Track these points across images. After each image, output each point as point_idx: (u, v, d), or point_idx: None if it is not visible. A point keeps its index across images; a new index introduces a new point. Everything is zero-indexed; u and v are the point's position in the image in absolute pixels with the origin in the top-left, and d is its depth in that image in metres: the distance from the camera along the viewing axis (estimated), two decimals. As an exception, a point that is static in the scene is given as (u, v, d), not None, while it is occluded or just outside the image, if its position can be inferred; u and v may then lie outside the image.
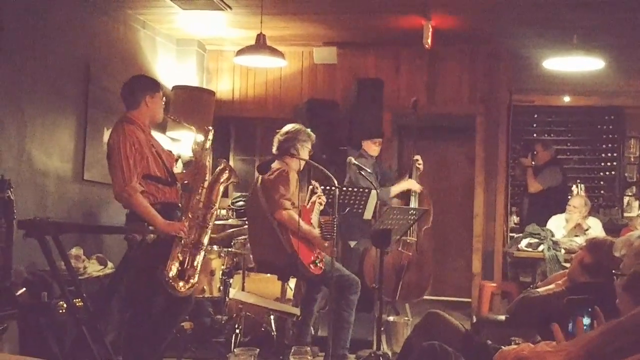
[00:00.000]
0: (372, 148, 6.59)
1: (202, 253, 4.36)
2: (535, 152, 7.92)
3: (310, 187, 5.55)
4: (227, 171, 4.57)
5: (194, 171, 4.48)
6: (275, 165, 5.10)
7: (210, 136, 4.60)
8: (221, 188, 4.54)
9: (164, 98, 4.54)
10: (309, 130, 5.28)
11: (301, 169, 5.34)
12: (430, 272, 6.71)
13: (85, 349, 3.34)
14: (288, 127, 5.25)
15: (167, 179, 4.35)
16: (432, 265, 6.81)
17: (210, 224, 4.42)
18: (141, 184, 4.18)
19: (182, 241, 4.22)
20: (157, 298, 4.33)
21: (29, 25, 5.47)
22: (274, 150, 5.21)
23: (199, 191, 4.39)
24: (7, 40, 5.21)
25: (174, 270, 4.17)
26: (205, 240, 4.37)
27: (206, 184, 4.43)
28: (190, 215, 4.32)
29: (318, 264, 4.99)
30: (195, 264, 4.28)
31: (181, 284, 4.18)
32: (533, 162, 7.82)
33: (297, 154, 5.13)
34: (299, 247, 4.89)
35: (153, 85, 4.49)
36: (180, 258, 4.22)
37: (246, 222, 6.64)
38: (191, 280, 4.24)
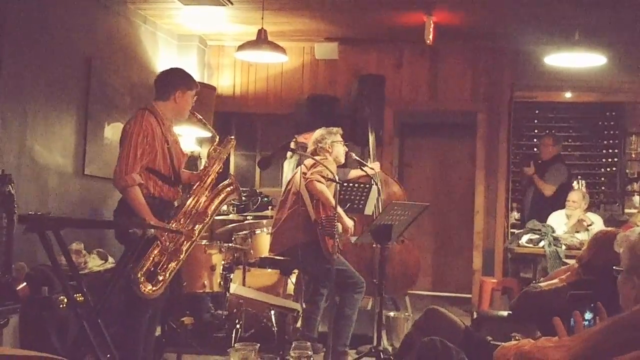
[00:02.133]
0: None
1: (179, 263, 4.18)
2: (539, 147, 7.88)
3: None
4: (232, 187, 4.42)
5: (200, 176, 4.40)
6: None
7: (230, 147, 4.52)
8: (220, 202, 4.39)
9: (195, 97, 4.44)
10: (331, 128, 5.43)
11: (343, 160, 5.47)
12: (417, 261, 6.66)
13: (86, 343, 3.34)
14: (315, 135, 5.42)
15: (170, 177, 4.28)
16: (418, 253, 6.76)
17: (197, 235, 4.27)
18: (142, 174, 4.13)
19: (161, 245, 4.09)
20: (120, 295, 4.26)
21: (31, 20, 5.47)
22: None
23: (198, 199, 4.30)
24: (9, 36, 5.21)
25: (144, 270, 4.02)
26: (185, 250, 4.19)
27: (207, 193, 4.33)
28: (181, 221, 4.20)
29: (336, 239, 5.02)
30: (168, 270, 4.11)
31: (149, 286, 4.03)
32: (535, 169, 7.77)
33: (331, 151, 5.31)
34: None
35: (187, 82, 4.38)
36: (156, 260, 4.08)
37: (247, 218, 6.66)
38: (158, 285, 4.07)
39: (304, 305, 5.50)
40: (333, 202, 4.98)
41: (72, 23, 6.01)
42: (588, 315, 2.12)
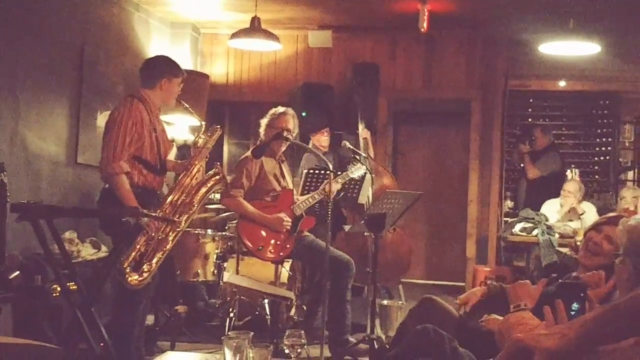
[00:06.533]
0: (322, 139, 6.55)
1: (165, 253, 4.15)
2: (533, 138, 7.88)
3: (305, 171, 5.56)
4: (217, 176, 4.39)
5: (186, 165, 4.38)
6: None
7: (216, 136, 4.50)
8: (207, 192, 4.36)
9: (182, 85, 4.44)
10: (280, 109, 5.21)
11: (276, 157, 5.29)
12: (409, 249, 6.65)
13: (79, 332, 3.34)
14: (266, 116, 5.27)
15: (156, 167, 4.27)
16: (410, 241, 6.75)
17: (183, 225, 4.24)
18: (128, 163, 4.11)
19: (148, 234, 4.07)
20: (113, 285, 4.25)
21: (23, 8, 5.42)
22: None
23: (184, 188, 4.28)
24: (1, 23, 5.16)
25: (130, 260, 4.00)
26: (172, 240, 4.17)
27: (194, 181, 4.32)
28: (167, 210, 4.17)
29: (268, 250, 5.05)
30: (153, 261, 4.08)
31: (134, 276, 4.00)
32: (530, 149, 7.79)
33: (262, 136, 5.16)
34: (249, 231, 5.07)
35: (173, 69, 4.38)
36: (142, 250, 4.06)
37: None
38: (144, 275, 4.04)
39: (297, 293, 5.51)
40: (254, 212, 5.01)
41: (65, 11, 5.97)
42: (575, 306, 2.09)
